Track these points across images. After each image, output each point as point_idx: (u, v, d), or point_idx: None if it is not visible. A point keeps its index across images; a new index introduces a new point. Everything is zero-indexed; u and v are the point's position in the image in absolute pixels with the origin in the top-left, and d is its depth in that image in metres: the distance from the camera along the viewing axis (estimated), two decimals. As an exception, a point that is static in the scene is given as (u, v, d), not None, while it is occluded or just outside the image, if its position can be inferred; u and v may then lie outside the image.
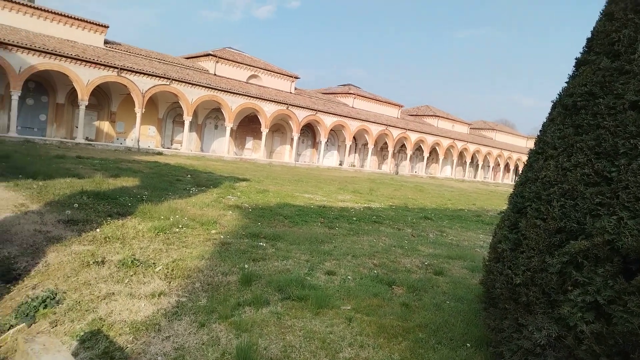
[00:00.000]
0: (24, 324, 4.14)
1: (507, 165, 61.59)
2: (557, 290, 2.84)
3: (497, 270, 3.40)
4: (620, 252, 2.55)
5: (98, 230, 6.49)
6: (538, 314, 2.91)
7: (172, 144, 34.38)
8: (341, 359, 3.49)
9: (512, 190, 3.90)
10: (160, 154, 28.28)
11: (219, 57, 35.49)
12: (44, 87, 28.38)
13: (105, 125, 31.19)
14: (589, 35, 3.44)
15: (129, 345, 3.52)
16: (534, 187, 3.25)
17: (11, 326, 4.15)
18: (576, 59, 3.45)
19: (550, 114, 3.62)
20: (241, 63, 36.85)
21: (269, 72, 38.82)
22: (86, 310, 4.11)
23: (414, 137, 45.86)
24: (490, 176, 60.54)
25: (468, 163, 53.99)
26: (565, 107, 3.27)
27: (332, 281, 5.38)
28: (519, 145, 66.28)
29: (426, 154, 47.93)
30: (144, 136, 32.13)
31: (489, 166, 58.54)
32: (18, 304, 4.42)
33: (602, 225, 2.62)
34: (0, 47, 23.12)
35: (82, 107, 26.87)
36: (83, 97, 26.47)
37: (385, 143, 45.28)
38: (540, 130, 3.74)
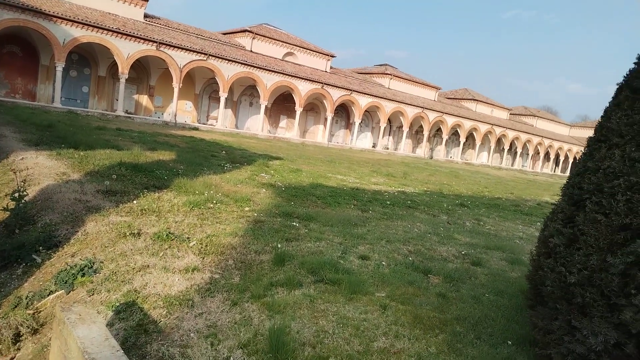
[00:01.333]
0: (63, 291, 4.22)
1: (547, 154, 59.40)
2: (619, 293, 2.60)
3: (547, 267, 3.17)
4: (698, 256, 2.29)
5: (135, 202, 6.57)
6: (595, 317, 2.69)
7: (207, 120, 34.77)
8: (375, 349, 3.38)
9: (567, 180, 3.63)
10: (196, 129, 28.65)
11: (255, 34, 35.35)
12: (86, 60, 29.07)
13: (144, 99, 31.79)
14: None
15: (162, 320, 3.52)
16: (595, 179, 2.99)
17: (51, 292, 4.25)
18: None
19: (615, 97, 3.31)
20: (277, 40, 36.61)
21: (304, 50, 38.46)
22: (122, 281, 4.15)
23: (450, 121, 44.72)
24: (529, 165, 58.59)
25: (506, 150, 52.35)
26: (635, 91, 2.96)
27: (365, 266, 5.26)
28: (562, 133, 63.68)
29: (462, 139, 46.73)
30: (180, 111, 32.58)
31: (527, 154, 56.61)
32: (58, 271, 4.52)
33: (678, 225, 2.36)
34: (45, 19, 23.72)
35: (122, 81, 27.40)
36: (123, 71, 26.96)
37: (421, 126, 44.38)
38: (602, 116, 3.43)
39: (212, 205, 6.98)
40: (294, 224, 6.69)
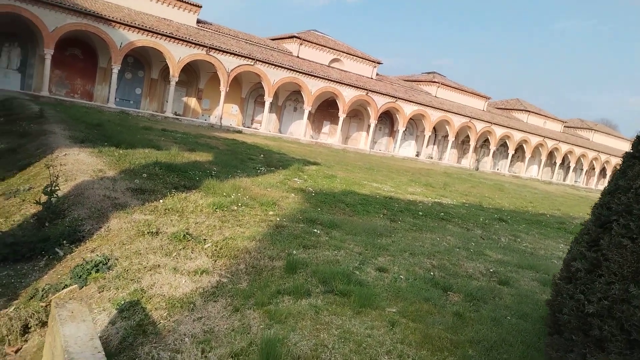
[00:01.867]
0: (77, 285, 4.32)
1: (603, 170, 56.04)
2: (641, 329, 2.30)
3: (567, 293, 2.88)
4: None
5: (161, 201, 6.69)
6: (612, 353, 2.39)
7: (252, 124, 35.41)
8: (374, 367, 3.19)
9: (598, 199, 3.30)
10: (239, 132, 29.22)
11: (303, 40, 35.70)
12: (140, 63, 30.41)
13: (193, 102, 32.83)
14: None
15: (161, 321, 3.50)
16: (625, 199, 2.68)
17: (66, 286, 4.35)
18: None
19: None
20: (324, 46, 36.79)
21: (351, 57, 38.40)
22: (131, 280, 4.18)
23: (499, 132, 43.15)
24: (582, 180, 55.51)
25: (558, 164, 49.85)
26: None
27: (382, 278, 5.05)
28: (621, 148, 59.81)
29: (511, 151, 44.94)
30: (226, 114, 33.38)
31: (581, 169, 53.65)
32: (75, 265, 4.63)
33: None
34: (105, 24, 25.03)
35: (173, 83, 28.43)
36: (174, 74, 27.96)
37: (467, 136, 43.11)
38: (640, 131, 3.09)
39: (236, 207, 6.99)
40: (316, 230, 6.57)
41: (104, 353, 2.47)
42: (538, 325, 4.29)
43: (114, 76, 26.85)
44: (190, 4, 30.85)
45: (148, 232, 5.19)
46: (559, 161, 49.28)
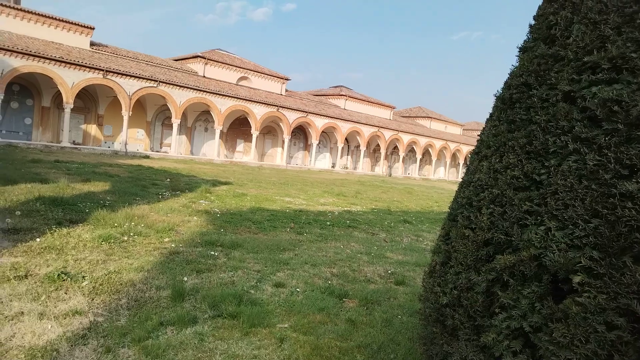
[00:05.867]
0: None
1: (502, 166, 61.17)
2: (483, 314, 2.43)
3: (428, 287, 3.00)
4: (549, 270, 2.15)
5: (38, 239, 6.07)
6: (463, 340, 2.51)
7: (161, 147, 33.99)
8: (255, 389, 3.08)
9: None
10: (147, 157, 27.87)
11: (208, 59, 35.15)
12: (28, 90, 28.01)
13: (93, 129, 30.82)
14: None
15: (16, 375, 3.11)
16: (467, 192, 2.86)
17: None
18: (518, 47, 3.06)
19: (492, 109, 3.23)
20: (230, 65, 36.50)
21: (259, 74, 38.48)
22: (-14, 333, 3.69)
23: (406, 138, 45.52)
24: (486, 177, 60.21)
25: (461, 164, 53.66)
26: (503, 101, 2.88)
27: (277, 294, 4.97)
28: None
29: (419, 156, 47.59)
30: (132, 139, 31.74)
31: (484, 167, 58.27)
32: None
33: (529, 237, 2.22)
34: (-20, 50, 22.75)
35: (67, 110, 26.51)
36: (68, 100, 26.10)
37: (378, 145, 44.95)
38: (483, 128, 3.35)
39: (126, 238, 6.55)
40: (214, 253, 6.35)
41: None
42: (424, 320, 4.45)
43: (-3, 107, 24.46)
44: (82, 25, 29.14)
45: (14, 277, 4.65)
46: (461, 161, 53.04)
